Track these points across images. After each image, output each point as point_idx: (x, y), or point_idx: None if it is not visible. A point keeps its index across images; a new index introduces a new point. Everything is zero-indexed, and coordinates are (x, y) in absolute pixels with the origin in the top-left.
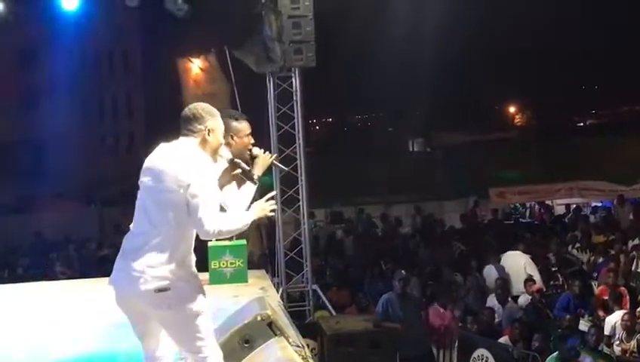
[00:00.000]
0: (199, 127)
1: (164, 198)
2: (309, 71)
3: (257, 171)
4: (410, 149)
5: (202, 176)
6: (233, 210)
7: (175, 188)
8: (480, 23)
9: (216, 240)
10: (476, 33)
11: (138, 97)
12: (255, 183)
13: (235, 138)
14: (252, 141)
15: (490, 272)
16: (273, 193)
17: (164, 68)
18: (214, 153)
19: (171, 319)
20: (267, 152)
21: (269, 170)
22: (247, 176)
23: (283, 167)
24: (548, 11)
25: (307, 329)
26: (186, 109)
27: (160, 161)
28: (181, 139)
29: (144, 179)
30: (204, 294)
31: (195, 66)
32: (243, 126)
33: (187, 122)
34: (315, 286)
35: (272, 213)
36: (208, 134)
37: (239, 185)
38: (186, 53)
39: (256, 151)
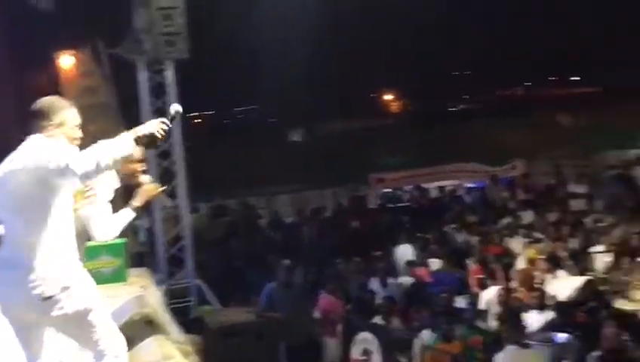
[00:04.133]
0: (46, 123)
1: (25, 194)
2: (185, 64)
3: (137, 201)
4: (292, 139)
5: (55, 149)
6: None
7: (34, 174)
8: (355, 12)
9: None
10: (352, 23)
11: (5, 96)
12: (133, 212)
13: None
14: (142, 168)
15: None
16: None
17: (35, 65)
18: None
19: (63, 320)
20: (155, 184)
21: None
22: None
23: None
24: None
25: (191, 324)
26: (33, 105)
27: (10, 162)
28: (30, 137)
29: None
30: (92, 289)
31: (70, 61)
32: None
33: (35, 118)
34: (198, 282)
35: (163, 133)
36: (58, 128)
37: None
38: (58, 49)
39: (144, 179)
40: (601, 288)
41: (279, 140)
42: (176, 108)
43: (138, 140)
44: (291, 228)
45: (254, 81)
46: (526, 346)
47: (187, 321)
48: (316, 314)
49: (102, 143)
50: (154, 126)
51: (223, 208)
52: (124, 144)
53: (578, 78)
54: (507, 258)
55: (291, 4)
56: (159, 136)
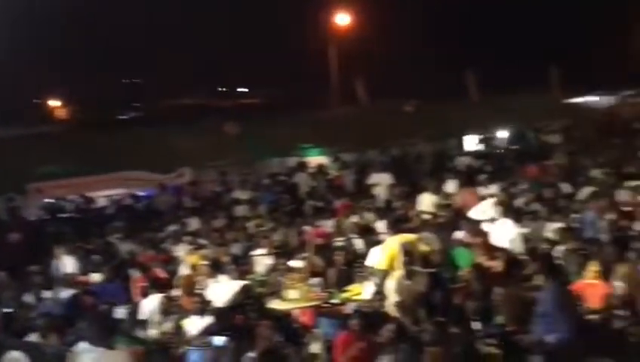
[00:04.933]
0: None
1: None
2: None
3: None
4: None
5: None
6: None
7: None
8: (23, 13)
9: None
10: (17, 23)
11: None
12: None
13: None
14: None
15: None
16: None
17: None
18: None
19: None
20: None
21: None
22: None
23: None
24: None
25: None
26: None
27: None
28: None
29: None
30: None
31: None
32: None
33: None
34: None
35: None
36: None
37: None
38: None
39: None
40: (259, 290)
41: None
42: None
43: None
44: None
45: None
46: (112, 348)
47: None
48: None
49: None
50: None
51: None
52: None
53: (245, 90)
54: (172, 265)
55: None
56: None
